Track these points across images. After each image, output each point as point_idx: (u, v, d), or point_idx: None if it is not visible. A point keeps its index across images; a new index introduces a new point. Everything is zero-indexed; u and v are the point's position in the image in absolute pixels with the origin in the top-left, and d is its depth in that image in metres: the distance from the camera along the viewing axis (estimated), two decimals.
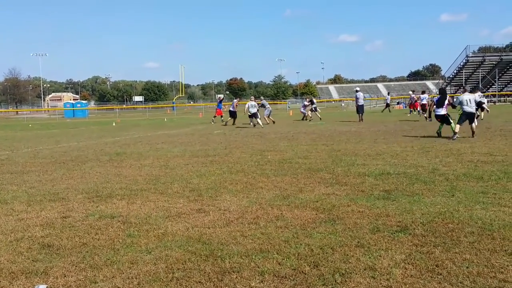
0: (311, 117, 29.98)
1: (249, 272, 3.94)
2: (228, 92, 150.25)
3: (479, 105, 20.55)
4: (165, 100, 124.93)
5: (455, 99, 15.82)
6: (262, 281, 3.76)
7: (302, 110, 30.96)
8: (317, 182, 7.81)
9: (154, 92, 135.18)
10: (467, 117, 14.65)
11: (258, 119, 24.54)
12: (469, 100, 14.77)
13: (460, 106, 14.85)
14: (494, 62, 55.54)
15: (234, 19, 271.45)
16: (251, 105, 24.56)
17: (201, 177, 8.74)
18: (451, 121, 14.99)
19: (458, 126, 14.47)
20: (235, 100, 29.72)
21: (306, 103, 31.06)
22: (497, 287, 3.47)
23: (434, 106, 15.62)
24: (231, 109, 28.42)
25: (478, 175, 7.82)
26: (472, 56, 56.02)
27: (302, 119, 30.17)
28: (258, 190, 7.29)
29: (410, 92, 35.19)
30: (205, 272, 3.98)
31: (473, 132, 14.58)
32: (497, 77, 55.65)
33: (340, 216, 5.60)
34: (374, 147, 12.67)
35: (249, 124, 25.40)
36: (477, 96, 18.14)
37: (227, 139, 17.36)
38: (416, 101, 31.40)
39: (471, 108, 14.71)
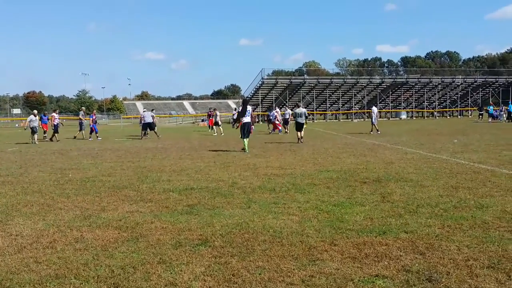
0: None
1: None
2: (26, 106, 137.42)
3: (286, 122, 29.90)
4: None
5: (293, 112, 20.98)
6: None
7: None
8: (121, 200, 7.58)
9: None
10: (298, 125, 19.92)
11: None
12: (300, 113, 20.24)
13: (295, 118, 20.35)
14: (285, 85, 61.23)
15: (28, 27, 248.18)
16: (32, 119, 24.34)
17: None
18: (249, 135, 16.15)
19: (298, 132, 19.79)
20: (54, 114, 27.47)
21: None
22: None
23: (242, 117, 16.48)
24: (55, 123, 26.57)
25: (271, 187, 8.47)
26: (267, 78, 60.74)
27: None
28: (57, 212, 6.78)
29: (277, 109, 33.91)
30: None
31: (301, 137, 19.72)
32: (287, 98, 61.43)
33: (143, 233, 5.51)
34: (179, 163, 12.83)
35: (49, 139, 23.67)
36: (288, 111, 28.50)
37: (23, 157, 15.81)
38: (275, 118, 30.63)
39: (301, 119, 20.04)
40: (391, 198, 7.30)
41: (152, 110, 32.07)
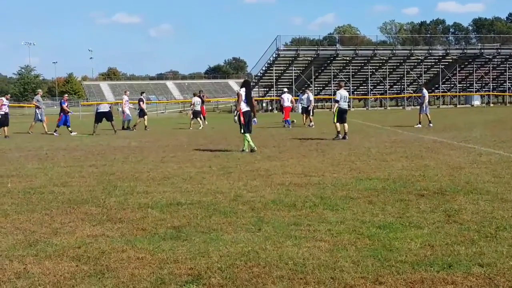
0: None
1: None
2: None
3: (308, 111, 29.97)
4: None
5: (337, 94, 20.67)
6: None
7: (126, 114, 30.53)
8: (80, 220, 7.62)
9: None
10: (342, 113, 20.08)
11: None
12: (345, 96, 20.59)
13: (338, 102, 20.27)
14: (310, 58, 61.15)
15: None
16: None
17: None
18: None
19: (338, 124, 19.85)
20: (2, 99, 27.68)
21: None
22: None
23: (242, 104, 16.41)
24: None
25: (290, 202, 8.46)
26: (283, 50, 60.72)
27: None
28: None
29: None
30: None
31: (345, 132, 19.84)
32: (313, 76, 61.39)
33: (111, 266, 5.52)
34: (160, 168, 12.87)
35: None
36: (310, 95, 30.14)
37: None
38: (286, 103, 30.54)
39: (346, 105, 20.60)
40: (460, 217, 7.26)
41: (142, 93, 32.65)
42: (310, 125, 28.95)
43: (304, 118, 30.12)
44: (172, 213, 7.90)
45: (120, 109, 30.68)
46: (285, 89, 36.73)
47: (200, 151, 16.78)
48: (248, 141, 16.11)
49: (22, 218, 7.78)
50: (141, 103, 30.65)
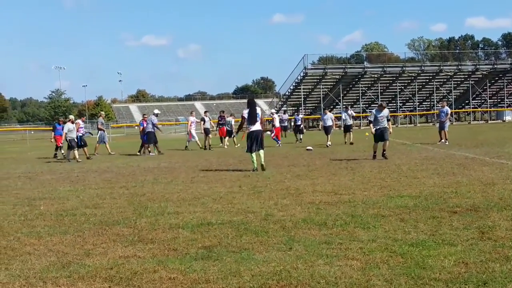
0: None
1: None
2: None
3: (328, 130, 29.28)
4: None
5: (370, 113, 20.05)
6: None
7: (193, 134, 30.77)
8: (112, 241, 7.68)
9: None
10: (381, 133, 18.88)
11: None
12: (386, 116, 19.22)
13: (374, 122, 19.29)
14: (338, 76, 61.15)
15: None
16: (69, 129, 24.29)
17: None
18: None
19: (382, 143, 18.85)
20: (79, 121, 28.08)
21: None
22: None
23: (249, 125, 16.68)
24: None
25: (321, 221, 8.43)
26: (311, 68, 60.98)
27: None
28: (25, 258, 6.92)
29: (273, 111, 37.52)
30: None
31: (384, 151, 18.91)
32: (341, 94, 61.28)
33: (143, 287, 5.56)
34: (190, 188, 12.93)
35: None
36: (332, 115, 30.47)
37: None
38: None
39: (383, 125, 19.10)
40: (494, 234, 7.17)
41: (206, 112, 33.47)
42: (329, 143, 28.53)
43: (345, 137, 29.87)
44: (203, 233, 7.93)
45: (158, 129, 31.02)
46: (273, 110, 40.65)
47: (230, 171, 16.84)
48: (253, 161, 16.51)
49: (55, 240, 7.87)
50: (202, 122, 31.24)
